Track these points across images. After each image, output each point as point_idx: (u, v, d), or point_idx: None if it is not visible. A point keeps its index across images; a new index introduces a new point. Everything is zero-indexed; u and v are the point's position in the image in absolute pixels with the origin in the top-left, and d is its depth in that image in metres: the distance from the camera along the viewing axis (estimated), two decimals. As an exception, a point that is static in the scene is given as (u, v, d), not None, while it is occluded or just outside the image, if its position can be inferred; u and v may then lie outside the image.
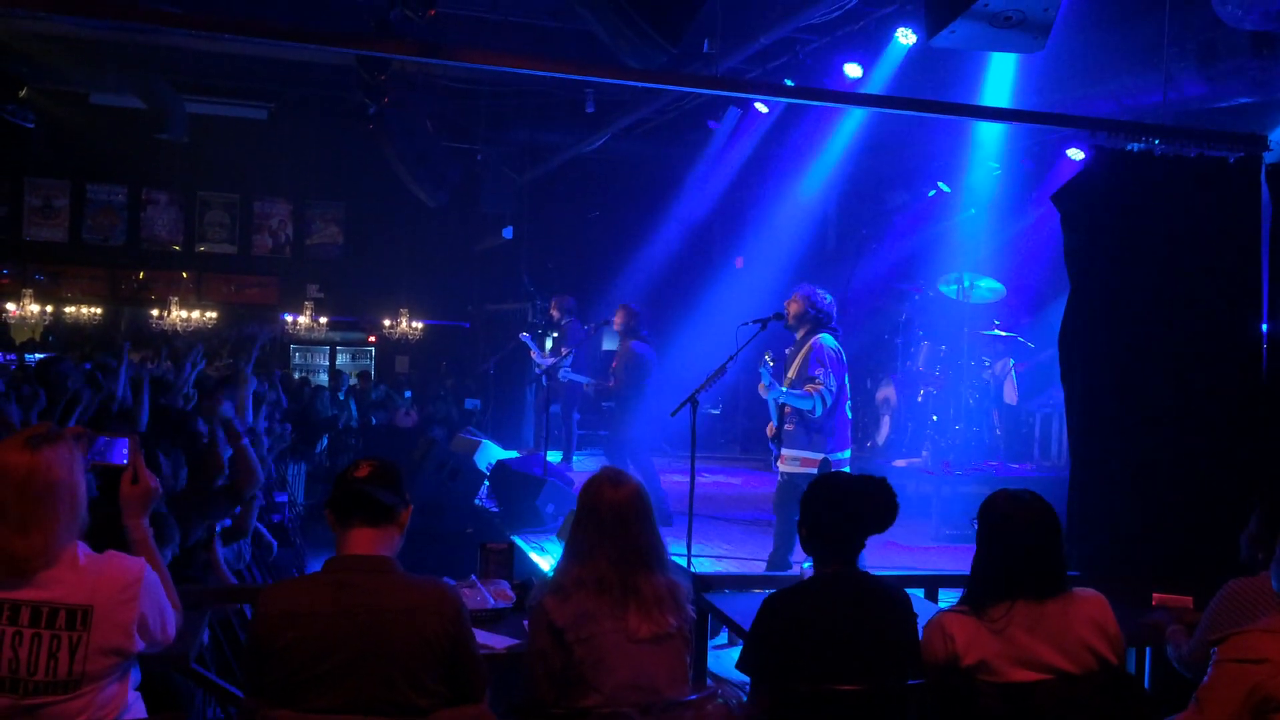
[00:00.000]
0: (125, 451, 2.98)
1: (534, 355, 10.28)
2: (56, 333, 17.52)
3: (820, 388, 5.87)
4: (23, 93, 11.71)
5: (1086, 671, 2.91)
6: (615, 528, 3.04)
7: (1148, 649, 4.29)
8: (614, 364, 8.87)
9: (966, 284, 9.45)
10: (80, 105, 14.39)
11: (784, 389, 5.96)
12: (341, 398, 13.93)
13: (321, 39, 6.17)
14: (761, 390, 6.04)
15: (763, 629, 3.06)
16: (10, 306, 17.02)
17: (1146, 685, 4.29)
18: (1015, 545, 2.97)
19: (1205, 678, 2.60)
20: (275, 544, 6.19)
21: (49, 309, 17.51)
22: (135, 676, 2.69)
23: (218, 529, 4.86)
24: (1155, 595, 4.32)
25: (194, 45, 10.48)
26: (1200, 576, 4.15)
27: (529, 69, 6.24)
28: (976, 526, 3.09)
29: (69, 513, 2.55)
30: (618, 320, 8.97)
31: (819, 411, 5.89)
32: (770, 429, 6.19)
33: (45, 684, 2.47)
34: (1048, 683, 2.88)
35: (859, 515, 3.13)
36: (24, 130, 11.94)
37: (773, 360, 6.02)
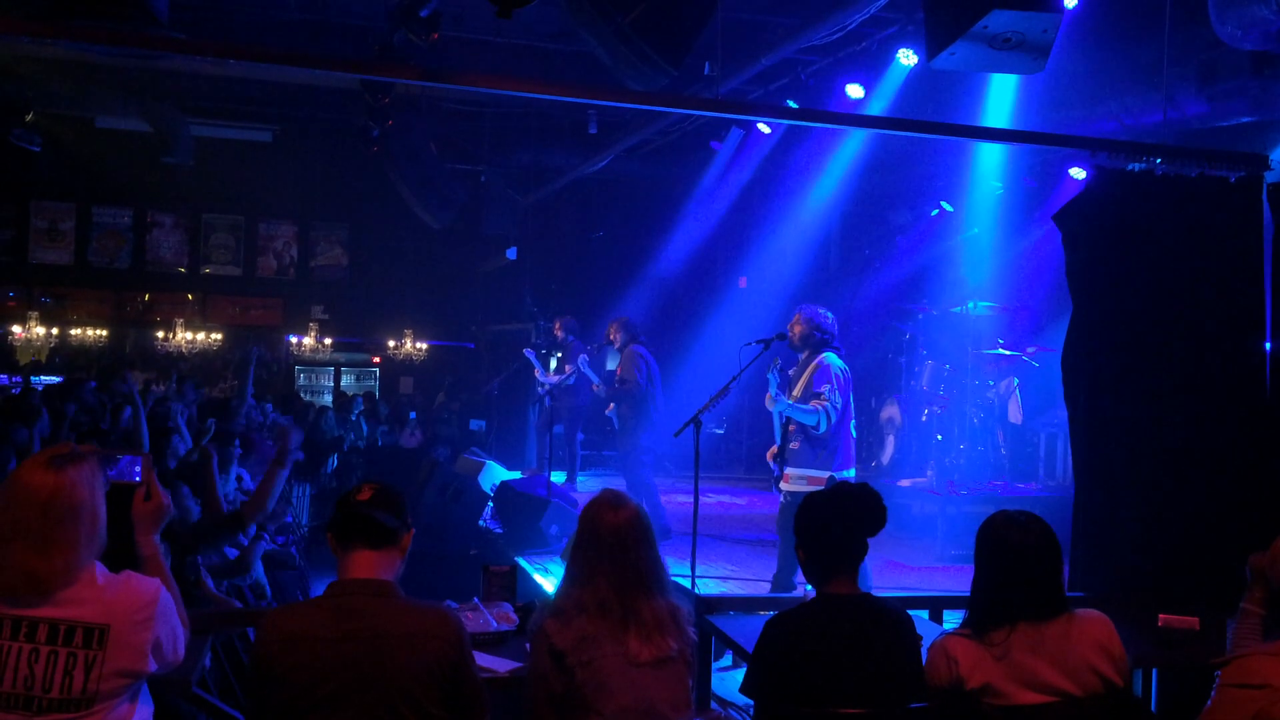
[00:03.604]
0: (139, 470, 3.02)
1: (538, 374, 10.29)
2: (62, 355, 17.57)
3: (825, 403, 5.86)
4: (29, 117, 11.81)
5: (1091, 693, 2.89)
6: (615, 551, 3.03)
7: (1154, 670, 4.27)
8: (618, 372, 8.88)
9: (971, 308, 9.47)
10: (86, 129, 14.47)
11: (789, 401, 5.96)
12: (354, 419, 13.96)
13: (326, 63, 6.23)
14: (768, 401, 6.04)
15: (764, 652, 3.05)
16: (16, 329, 17.07)
17: (1153, 707, 4.26)
18: (1013, 567, 2.95)
19: (1209, 702, 2.58)
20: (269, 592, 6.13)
21: (54, 331, 17.56)
22: (146, 696, 2.69)
23: (202, 563, 4.86)
24: (1161, 616, 4.30)
25: (199, 69, 10.55)
26: (1206, 597, 4.14)
27: (531, 92, 6.27)
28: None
29: (89, 533, 2.57)
30: (614, 332, 8.98)
31: (823, 427, 5.88)
32: (772, 453, 6.18)
33: (59, 701, 2.47)
34: (1052, 705, 2.86)
35: (848, 522, 3.12)
36: (30, 154, 12.02)
37: (780, 364, 6.02)
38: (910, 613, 3.27)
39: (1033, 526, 2.99)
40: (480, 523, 9.15)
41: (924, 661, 3.04)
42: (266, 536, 5.49)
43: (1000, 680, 2.87)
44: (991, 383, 9.29)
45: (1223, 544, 4.90)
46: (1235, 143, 6.86)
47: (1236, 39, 5.66)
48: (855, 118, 8.22)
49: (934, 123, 7.46)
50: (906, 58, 8.13)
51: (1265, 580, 3.05)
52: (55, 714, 2.47)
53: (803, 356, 6.18)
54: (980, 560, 3.03)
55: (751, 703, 3.15)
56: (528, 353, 10.51)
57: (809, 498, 3.27)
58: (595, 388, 9.58)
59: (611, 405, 8.94)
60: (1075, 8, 6.69)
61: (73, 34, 4.83)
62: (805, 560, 3.19)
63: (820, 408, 5.86)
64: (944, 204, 11.03)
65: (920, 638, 3.12)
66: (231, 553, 5.47)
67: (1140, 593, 4.88)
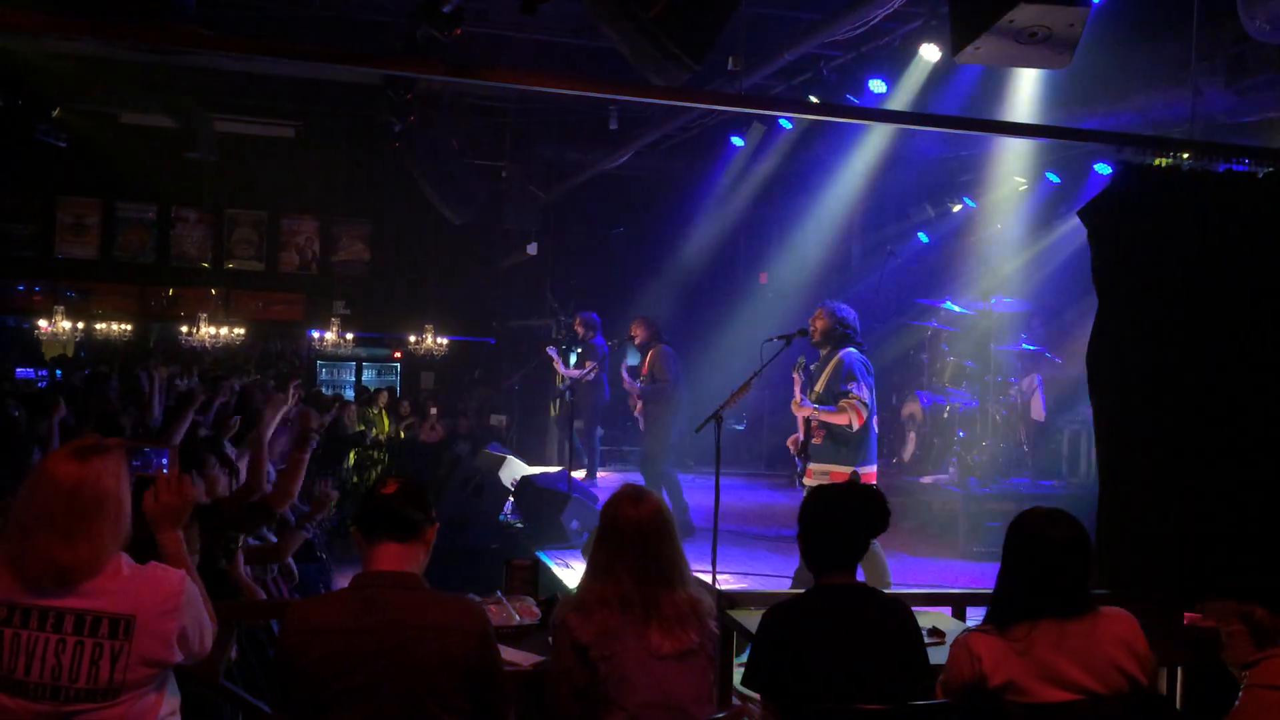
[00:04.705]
0: (165, 463, 3.02)
1: (559, 367, 10.30)
2: (87, 349, 17.70)
3: (855, 400, 5.87)
4: (55, 113, 11.87)
5: (1115, 692, 2.87)
6: (636, 545, 3.05)
7: (1178, 669, 4.24)
8: (644, 370, 8.87)
9: (993, 304, 9.41)
10: (111, 125, 14.55)
11: (816, 406, 5.95)
12: (376, 412, 14.04)
13: (349, 59, 6.24)
14: (794, 407, 6.04)
15: (763, 642, 3.06)
16: (42, 323, 17.21)
17: (1178, 706, 4.24)
18: (1043, 564, 2.94)
19: (1236, 702, 2.56)
20: (295, 571, 6.17)
21: (80, 325, 17.69)
22: (173, 687, 2.71)
23: (240, 544, 4.89)
24: (1186, 615, 4.27)
25: (223, 65, 10.59)
26: (1231, 597, 4.10)
27: (555, 87, 6.26)
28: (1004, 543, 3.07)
29: (115, 524, 2.58)
30: (638, 331, 8.97)
31: (855, 425, 5.89)
32: (793, 441, 6.18)
33: (85, 691, 2.50)
34: (1077, 703, 2.84)
35: (851, 520, 3.16)
36: (56, 149, 12.07)
37: (805, 362, 6.03)
38: (933, 609, 3.26)
39: (1065, 524, 2.98)
40: (501, 517, 9.18)
41: (945, 658, 3.03)
42: (309, 528, 5.53)
43: (1024, 677, 2.86)
44: (1014, 379, 9.24)
45: (1250, 544, 4.87)
46: (1262, 138, 6.80)
47: (1265, 33, 5.60)
48: (878, 113, 8.19)
49: (957, 118, 7.42)
50: (930, 53, 8.08)
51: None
52: (82, 704, 2.50)
53: (824, 352, 6.18)
54: (1009, 555, 3.02)
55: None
56: (550, 350, 10.53)
57: (817, 490, 3.32)
58: (627, 385, 9.54)
59: (640, 406, 8.91)
60: (1100, 1, 6.63)
61: (100, 30, 4.85)
62: (805, 550, 3.21)
63: (849, 407, 5.86)
64: (966, 199, 10.97)
65: (943, 633, 3.11)
66: (273, 538, 5.52)
67: (1165, 591, 4.85)
